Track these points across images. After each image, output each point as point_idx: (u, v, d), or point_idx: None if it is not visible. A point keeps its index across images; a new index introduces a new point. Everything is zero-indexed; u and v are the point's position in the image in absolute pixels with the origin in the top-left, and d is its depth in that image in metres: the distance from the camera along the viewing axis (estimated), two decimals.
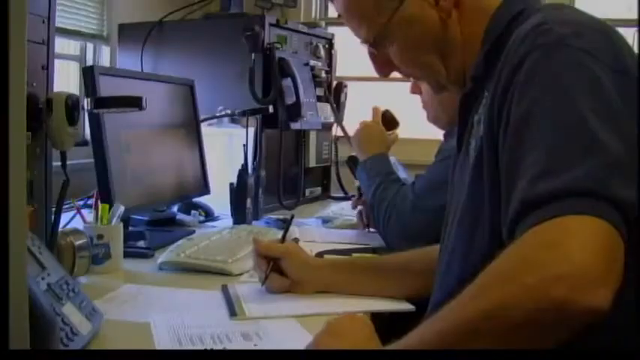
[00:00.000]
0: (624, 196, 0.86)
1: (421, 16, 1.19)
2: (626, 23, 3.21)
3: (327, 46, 2.91)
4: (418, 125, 2.35)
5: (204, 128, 2.41)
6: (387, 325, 1.39)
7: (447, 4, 1.18)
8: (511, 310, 0.82)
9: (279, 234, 1.57)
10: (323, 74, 2.82)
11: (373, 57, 1.29)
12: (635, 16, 3.24)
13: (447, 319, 0.89)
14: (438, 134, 2.12)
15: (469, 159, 1.16)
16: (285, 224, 1.62)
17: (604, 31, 1.02)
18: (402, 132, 2.36)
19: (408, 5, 1.19)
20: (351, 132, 2.30)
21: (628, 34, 3.13)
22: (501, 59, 1.05)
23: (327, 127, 2.89)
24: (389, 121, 2.30)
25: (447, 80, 1.25)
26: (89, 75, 1.78)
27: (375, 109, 2.28)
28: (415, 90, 2.02)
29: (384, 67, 1.30)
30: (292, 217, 1.65)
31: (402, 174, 2.26)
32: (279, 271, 1.47)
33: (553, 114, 0.93)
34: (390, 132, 2.27)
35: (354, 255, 1.80)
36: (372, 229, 2.15)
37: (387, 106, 2.35)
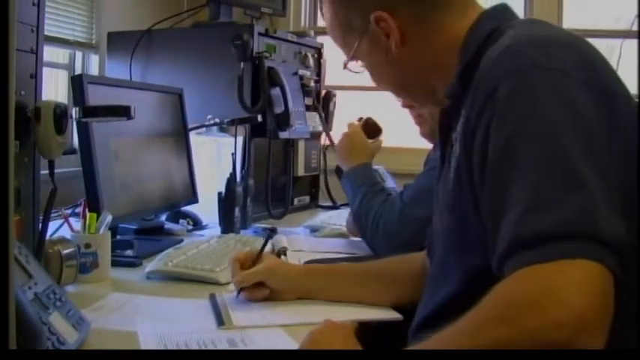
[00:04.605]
0: (612, 232, 0.87)
1: (375, 51, 1.27)
2: (613, 34, 3.25)
3: (316, 55, 2.92)
4: (406, 134, 2.36)
5: (193, 137, 2.41)
6: (373, 333, 1.39)
7: (392, 43, 1.23)
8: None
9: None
10: (312, 83, 2.83)
11: None
12: (622, 27, 3.26)
13: (443, 347, 0.89)
14: (426, 143, 2.13)
15: (450, 176, 1.17)
16: (265, 238, 1.61)
17: (574, 46, 1.03)
18: (390, 141, 2.36)
19: (364, 41, 1.27)
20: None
21: (615, 45, 3.17)
22: (475, 79, 1.06)
23: (315, 136, 2.89)
24: (372, 128, 2.30)
25: (416, 102, 1.30)
26: (78, 83, 1.78)
27: (351, 124, 2.28)
28: (406, 103, 1.99)
29: None
30: (274, 230, 1.65)
31: (390, 183, 2.26)
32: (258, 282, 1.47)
33: (533, 147, 0.92)
34: (373, 139, 2.27)
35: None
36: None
37: (375, 115, 2.35)
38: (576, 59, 0.99)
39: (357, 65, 1.34)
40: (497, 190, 0.95)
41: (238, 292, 1.46)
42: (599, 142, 0.93)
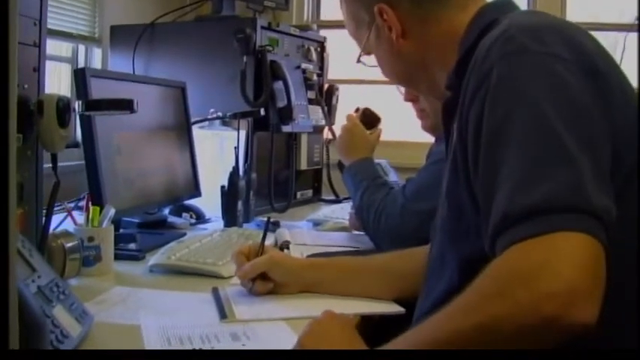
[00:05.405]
0: (601, 205, 0.88)
1: (381, 44, 1.32)
2: (617, 27, 3.24)
3: (318, 49, 2.91)
4: (409, 128, 2.35)
5: (196, 130, 2.41)
6: (375, 326, 1.40)
7: (394, 35, 1.28)
8: (503, 325, 0.84)
9: (268, 237, 1.57)
10: (314, 77, 2.82)
11: None
12: (625, 21, 3.26)
13: (439, 329, 0.90)
14: (429, 137, 2.12)
15: (449, 164, 1.18)
16: (264, 229, 1.61)
17: (567, 33, 1.04)
18: (393, 135, 2.35)
19: (371, 34, 1.32)
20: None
21: (619, 38, 3.17)
22: (469, 67, 1.07)
23: (318, 129, 2.89)
24: (370, 118, 2.29)
25: (421, 94, 1.34)
26: (80, 77, 1.78)
27: (349, 116, 2.27)
28: (408, 98, 1.99)
29: None
30: (276, 223, 1.64)
31: (393, 177, 2.26)
32: (262, 275, 1.47)
33: (522, 127, 0.94)
34: (372, 130, 2.26)
35: None
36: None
37: (378, 109, 2.35)
38: (566, 43, 1.01)
39: (369, 59, 1.38)
40: (490, 170, 0.96)
41: (253, 283, 1.46)
42: (587, 120, 0.95)
